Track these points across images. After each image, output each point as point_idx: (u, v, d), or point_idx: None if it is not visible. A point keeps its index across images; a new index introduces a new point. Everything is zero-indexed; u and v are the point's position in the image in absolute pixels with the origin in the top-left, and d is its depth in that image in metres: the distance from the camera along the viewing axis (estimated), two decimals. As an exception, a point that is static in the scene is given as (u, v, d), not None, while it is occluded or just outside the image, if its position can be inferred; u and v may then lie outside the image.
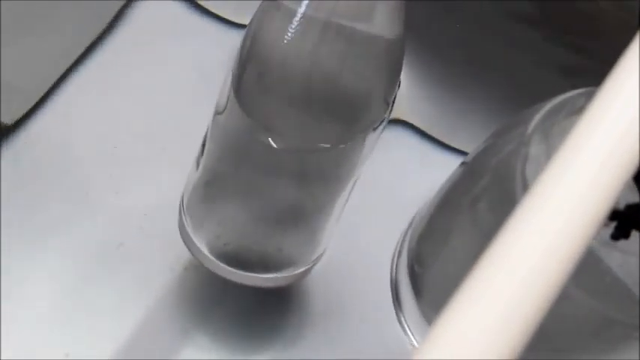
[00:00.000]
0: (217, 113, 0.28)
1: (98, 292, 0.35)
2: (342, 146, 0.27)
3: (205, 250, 0.33)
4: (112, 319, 0.34)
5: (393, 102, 0.27)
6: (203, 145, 0.30)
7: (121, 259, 0.35)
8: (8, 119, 0.37)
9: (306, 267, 0.33)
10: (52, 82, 0.38)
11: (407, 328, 0.35)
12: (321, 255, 0.33)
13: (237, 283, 0.33)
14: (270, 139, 0.26)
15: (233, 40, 0.40)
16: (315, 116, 0.26)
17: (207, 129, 0.30)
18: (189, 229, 0.33)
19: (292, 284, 0.35)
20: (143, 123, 0.39)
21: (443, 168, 0.34)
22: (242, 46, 0.26)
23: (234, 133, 0.28)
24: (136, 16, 0.41)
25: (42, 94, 0.38)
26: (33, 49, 0.39)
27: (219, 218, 0.32)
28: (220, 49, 0.40)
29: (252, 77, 0.26)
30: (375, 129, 0.27)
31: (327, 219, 0.31)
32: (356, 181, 0.30)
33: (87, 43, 0.40)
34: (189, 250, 0.34)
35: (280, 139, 0.26)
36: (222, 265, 0.33)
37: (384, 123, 0.27)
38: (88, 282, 0.35)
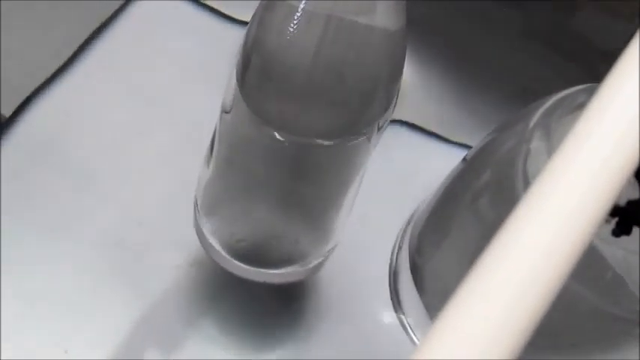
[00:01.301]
0: (224, 112, 0.28)
1: (99, 289, 0.34)
2: (348, 141, 0.27)
3: (220, 249, 0.33)
4: (114, 316, 0.34)
5: (397, 97, 0.27)
6: (212, 145, 0.30)
7: (122, 256, 0.35)
8: (6, 113, 0.37)
9: (319, 261, 0.33)
10: (50, 77, 0.38)
11: (405, 322, 0.35)
12: (333, 249, 0.34)
13: (251, 280, 0.33)
14: (276, 134, 0.26)
15: (234, 36, 0.40)
16: (319, 111, 0.26)
17: (215, 128, 0.30)
18: (204, 229, 0.33)
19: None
20: (143, 119, 0.38)
21: (444, 164, 0.34)
22: (245, 42, 0.26)
23: (241, 130, 0.28)
24: (137, 11, 0.41)
25: (40, 89, 0.38)
26: (32, 42, 0.39)
27: (231, 216, 0.32)
28: (221, 45, 0.40)
29: (256, 74, 0.26)
30: (380, 122, 0.27)
31: (337, 211, 0.31)
32: (364, 174, 0.30)
33: (86, 37, 0.40)
34: (205, 249, 0.34)
35: (285, 135, 0.26)
36: (237, 263, 0.33)
37: (389, 117, 0.27)
38: (88, 279, 0.35)
